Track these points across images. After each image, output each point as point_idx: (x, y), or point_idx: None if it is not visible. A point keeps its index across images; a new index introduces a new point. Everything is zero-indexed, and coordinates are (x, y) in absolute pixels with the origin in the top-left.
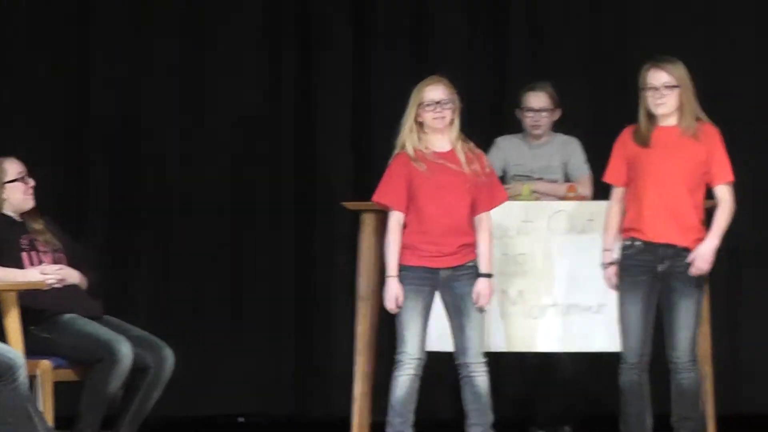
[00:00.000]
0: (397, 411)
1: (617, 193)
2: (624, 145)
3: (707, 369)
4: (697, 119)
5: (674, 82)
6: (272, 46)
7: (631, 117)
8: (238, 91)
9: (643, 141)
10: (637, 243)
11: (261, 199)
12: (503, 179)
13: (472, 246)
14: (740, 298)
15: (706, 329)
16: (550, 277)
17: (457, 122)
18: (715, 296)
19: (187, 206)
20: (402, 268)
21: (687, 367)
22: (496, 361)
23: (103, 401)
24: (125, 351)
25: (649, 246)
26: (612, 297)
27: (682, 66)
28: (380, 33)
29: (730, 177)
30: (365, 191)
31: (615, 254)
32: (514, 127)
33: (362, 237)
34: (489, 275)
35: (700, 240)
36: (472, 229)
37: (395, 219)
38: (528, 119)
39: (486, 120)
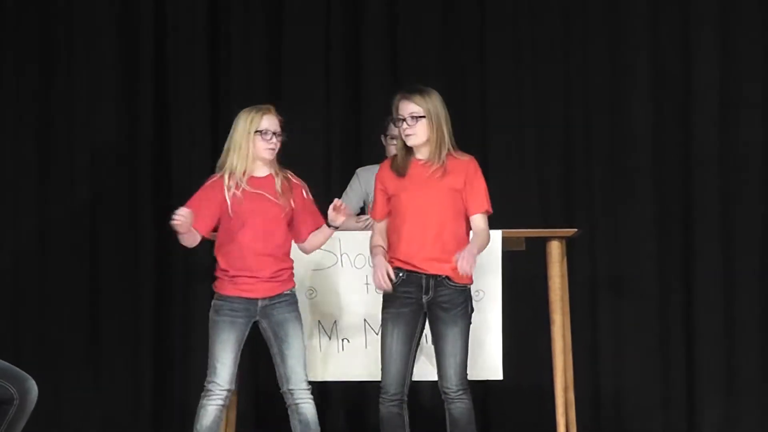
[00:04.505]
0: None
1: (379, 226)
2: (382, 181)
3: (570, 397)
4: (451, 151)
5: (421, 113)
6: (129, 80)
7: None
8: (94, 123)
9: (398, 170)
10: (400, 274)
11: (119, 231)
12: (364, 209)
13: (288, 273)
14: (599, 327)
15: (568, 358)
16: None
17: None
18: (576, 325)
19: (44, 238)
20: (219, 297)
21: (457, 396)
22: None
23: None
24: None
25: (412, 277)
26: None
27: (434, 97)
28: (237, 65)
29: (485, 207)
30: None
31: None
32: (374, 158)
33: None
34: None
35: None
36: (287, 257)
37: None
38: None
39: (344, 150)
